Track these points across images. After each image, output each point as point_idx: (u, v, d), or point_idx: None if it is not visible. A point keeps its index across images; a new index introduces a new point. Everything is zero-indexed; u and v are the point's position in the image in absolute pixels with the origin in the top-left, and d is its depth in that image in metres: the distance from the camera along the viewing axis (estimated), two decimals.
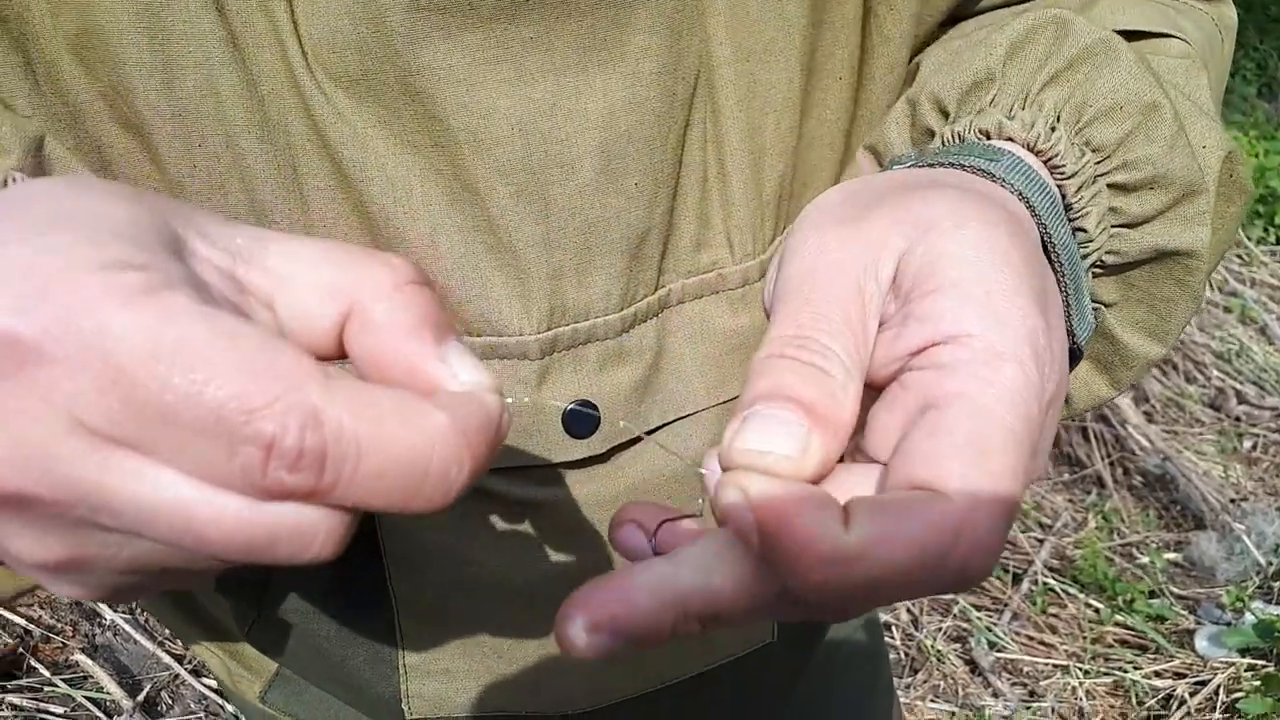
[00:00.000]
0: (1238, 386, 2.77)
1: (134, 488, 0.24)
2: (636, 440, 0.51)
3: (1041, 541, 2.25)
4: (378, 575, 0.52)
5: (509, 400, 0.46)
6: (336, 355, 0.28)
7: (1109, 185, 0.43)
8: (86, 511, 0.24)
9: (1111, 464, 2.51)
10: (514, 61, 0.41)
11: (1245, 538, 2.20)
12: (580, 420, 0.48)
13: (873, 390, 0.32)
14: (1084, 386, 0.50)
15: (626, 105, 0.43)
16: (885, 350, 0.31)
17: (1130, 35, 0.49)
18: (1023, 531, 2.26)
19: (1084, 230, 0.43)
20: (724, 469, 0.29)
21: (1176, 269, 0.45)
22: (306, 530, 0.25)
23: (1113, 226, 0.44)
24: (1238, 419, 2.69)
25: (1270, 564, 2.15)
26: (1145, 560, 2.24)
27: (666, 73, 0.44)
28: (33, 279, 0.23)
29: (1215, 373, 2.81)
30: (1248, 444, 2.63)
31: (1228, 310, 3.06)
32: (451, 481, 0.25)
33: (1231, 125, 3.82)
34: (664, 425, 0.51)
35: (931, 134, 0.46)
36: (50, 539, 0.25)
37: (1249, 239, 3.35)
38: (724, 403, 0.52)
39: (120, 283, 0.23)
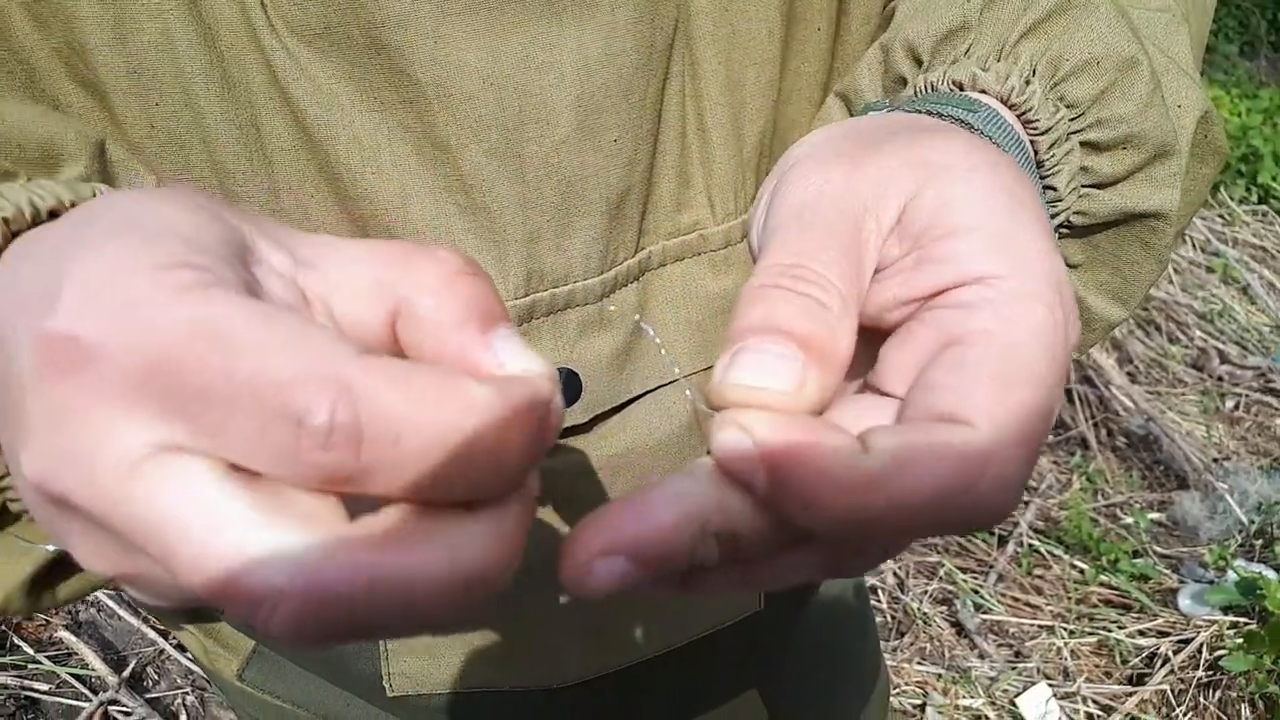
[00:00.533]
0: (1220, 346, 2.78)
1: (149, 511, 0.22)
2: (618, 409, 0.50)
3: (1026, 504, 2.27)
4: None
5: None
6: (393, 355, 0.27)
7: (1081, 143, 0.41)
8: (114, 527, 0.23)
9: (1095, 425, 2.52)
10: (484, 12, 0.40)
11: (1228, 496, 2.22)
12: (562, 390, 0.47)
13: (873, 334, 0.31)
14: None
15: (602, 57, 0.42)
16: (894, 292, 0.30)
17: None
18: None
19: (1054, 189, 0.41)
20: (713, 407, 0.27)
21: (1143, 231, 0.43)
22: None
23: (1082, 186, 0.42)
24: (1220, 379, 2.71)
25: (1252, 522, 2.17)
26: (1129, 520, 2.26)
27: (643, 22, 0.42)
28: (92, 282, 0.23)
29: (1198, 333, 2.82)
30: (1230, 404, 2.64)
31: (1210, 270, 3.07)
32: (505, 460, 0.23)
33: (1214, 84, 3.82)
34: (646, 392, 0.50)
35: (904, 81, 0.44)
36: (106, 548, 0.24)
37: (1231, 199, 3.35)
38: (708, 368, 0.51)
39: (172, 279, 0.22)
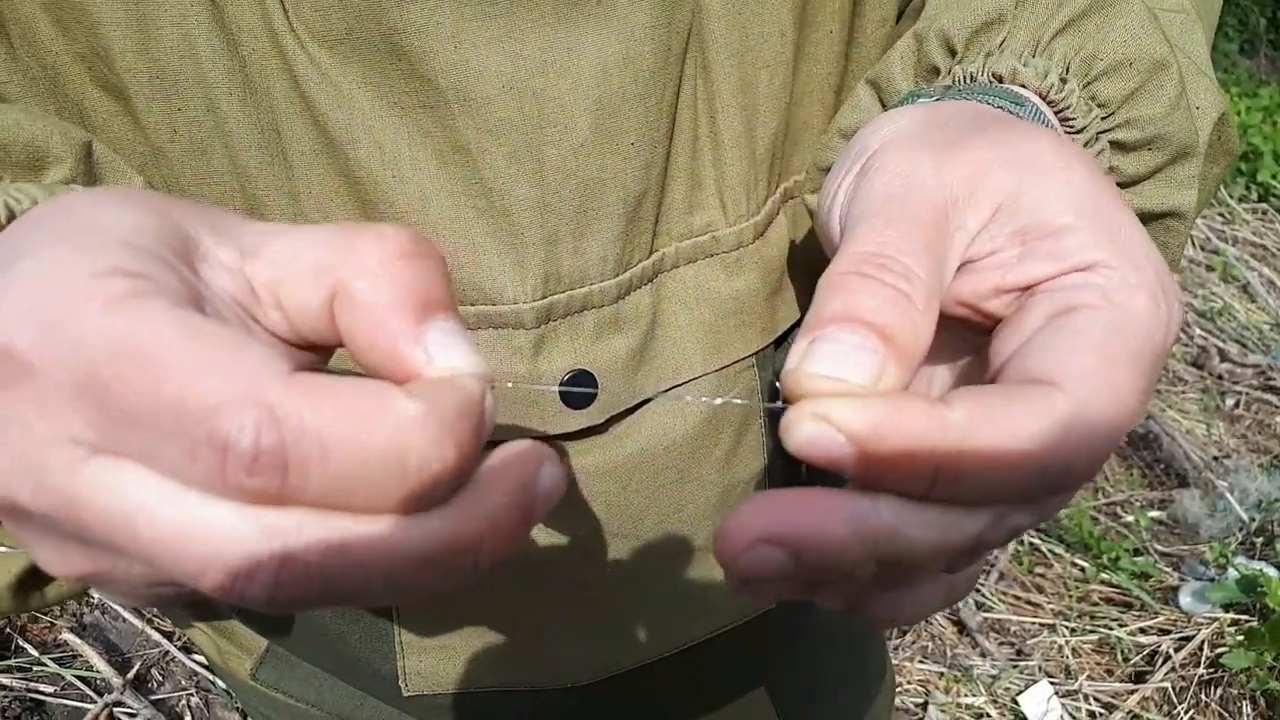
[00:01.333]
0: (1220, 345, 2.78)
1: (105, 501, 0.23)
2: (634, 409, 0.50)
3: None
4: None
5: (507, 385, 0.45)
6: (337, 342, 0.27)
7: (1110, 143, 0.42)
8: (71, 527, 0.23)
9: None
10: (502, 17, 0.40)
11: (1228, 495, 2.22)
12: (578, 392, 0.48)
13: (960, 323, 0.31)
14: None
15: (620, 61, 0.42)
16: (995, 282, 0.30)
17: None
18: None
19: None
20: (788, 396, 0.27)
21: (1160, 231, 0.44)
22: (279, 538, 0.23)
23: None
24: (1220, 377, 2.71)
25: (1253, 520, 2.17)
26: (1130, 519, 2.26)
27: (660, 25, 0.43)
28: (27, 293, 0.23)
29: (1198, 331, 2.82)
30: (1230, 402, 2.65)
31: (1210, 269, 3.07)
32: (439, 474, 0.23)
33: None
34: (660, 393, 0.51)
35: (937, 71, 0.44)
36: (70, 552, 0.25)
37: (1230, 197, 3.36)
38: (721, 369, 0.52)
39: (105, 289, 0.23)
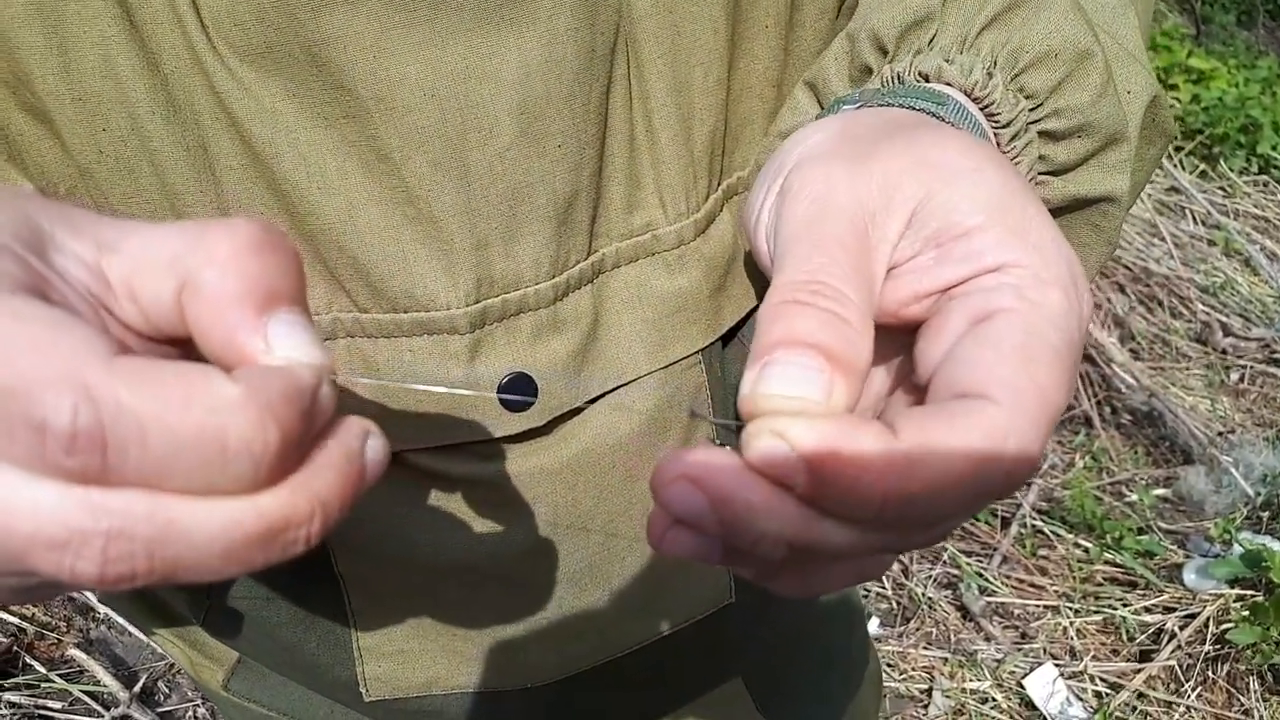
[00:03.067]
0: (1223, 319, 2.76)
1: None
2: (578, 410, 0.51)
3: (1029, 484, 2.26)
4: (325, 557, 0.52)
5: (439, 390, 0.46)
6: (189, 334, 0.28)
7: (1039, 133, 0.42)
8: None
9: (1099, 403, 2.52)
10: (423, 25, 0.40)
11: (1233, 470, 2.21)
12: (517, 394, 0.48)
13: (890, 329, 0.32)
14: None
15: (543, 64, 0.42)
16: (913, 288, 0.31)
17: None
18: None
19: None
20: (746, 419, 0.28)
21: (1094, 215, 0.45)
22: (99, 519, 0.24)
23: (1039, 174, 0.43)
24: (1224, 352, 2.69)
25: (1258, 495, 2.16)
26: (1134, 498, 2.25)
27: (583, 28, 0.43)
28: None
29: (1200, 306, 2.80)
30: (1235, 376, 2.63)
31: (1211, 243, 3.05)
32: (261, 455, 0.24)
33: (1211, 54, 3.79)
34: (606, 393, 0.51)
35: (869, 71, 0.45)
36: None
37: (1231, 170, 3.33)
38: (667, 366, 0.52)
39: None
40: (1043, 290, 0.29)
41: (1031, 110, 0.42)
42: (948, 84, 0.42)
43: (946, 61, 0.41)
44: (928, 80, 0.42)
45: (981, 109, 0.42)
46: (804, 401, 0.27)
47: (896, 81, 0.43)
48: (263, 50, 0.40)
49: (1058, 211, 0.45)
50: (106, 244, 0.27)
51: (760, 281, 0.56)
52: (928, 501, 0.26)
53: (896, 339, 0.33)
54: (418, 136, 0.42)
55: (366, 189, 0.43)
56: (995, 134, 0.42)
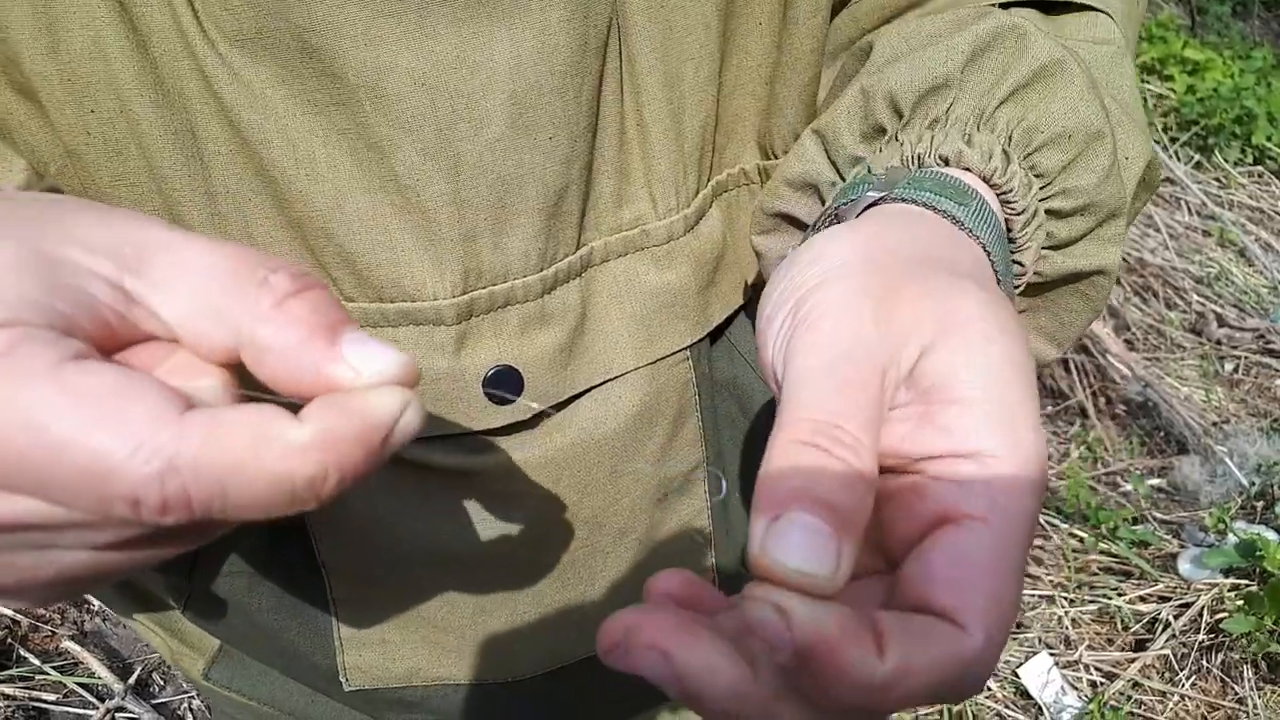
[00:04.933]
0: (1218, 310, 2.77)
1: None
2: (565, 404, 0.50)
3: None
4: (307, 544, 0.52)
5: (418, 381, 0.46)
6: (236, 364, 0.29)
7: (1047, 211, 0.43)
8: None
9: (1094, 394, 2.52)
10: (414, 14, 0.40)
11: (1227, 460, 2.21)
12: (503, 386, 0.48)
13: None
14: None
15: (535, 55, 0.42)
16: (895, 445, 0.31)
17: (1057, 6, 0.49)
18: None
19: (1020, 265, 0.43)
20: (754, 574, 0.29)
21: (1084, 285, 0.45)
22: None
23: (1042, 249, 0.43)
24: (1219, 342, 2.70)
25: (1252, 484, 2.16)
26: (1129, 488, 2.26)
27: (576, 19, 0.43)
28: None
29: (1195, 297, 2.81)
30: (1229, 366, 2.64)
31: (1207, 234, 3.05)
32: (322, 490, 0.26)
33: (1206, 45, 3.79)
34: (592, 388, 0.51)
35: (882, 130, 0.45)
36: None
37: (1226, 161, 3.33)
38: (654, 362, 0.52)
39: None
40: (1016, 495, 0.29)
41: (1041, 189, 0.42)
42: (966, 168, 0.42)
43: (966, 144, 0.42)
44: (947, 163, 0.42)
45: (997, 194, 0.42)
46: (815, 580, 0.27)
47: (915, 163, 0.43)
48: (252, 35, 0.39)
49: (1051, 285, 0.45)
50: (127, 263, 0.28)
51: (750, 280, 0.56)
52: (889, 711, 0.28)
53: None
54: (408, 125, 0.42)
55: (355, 177, 0.43)
56: (1008, 219, 0.42)
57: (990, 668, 0.29)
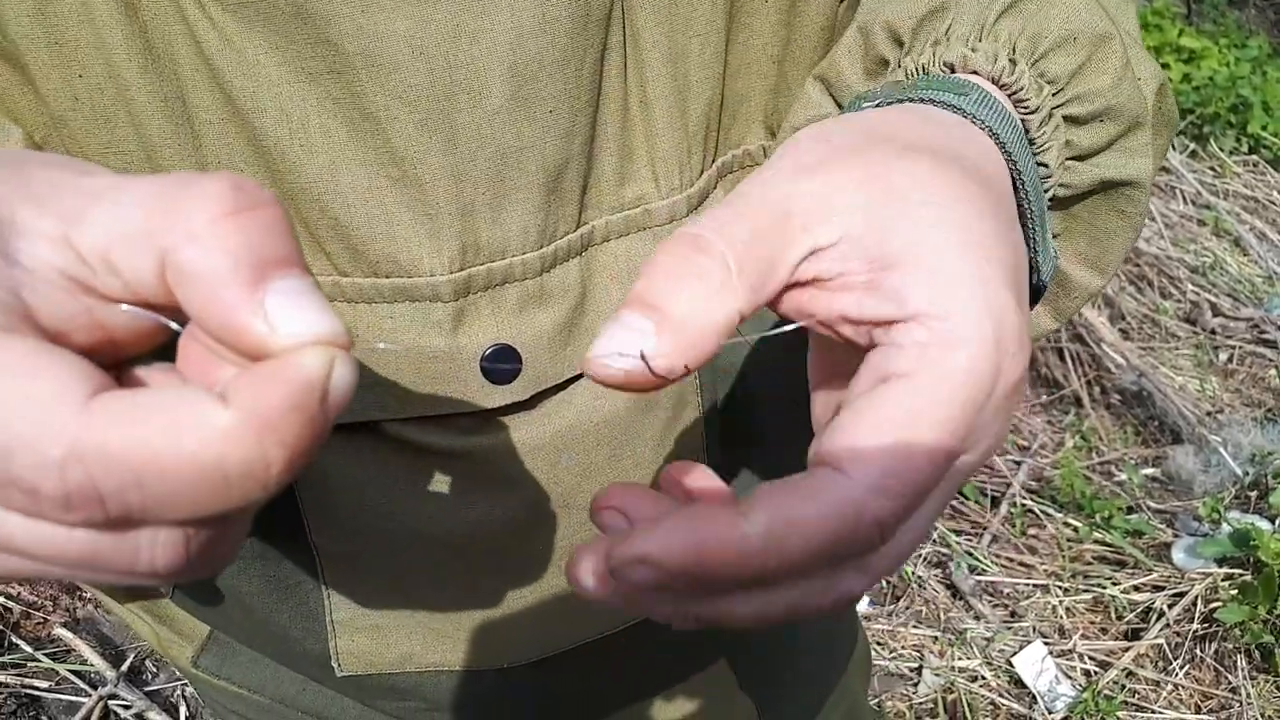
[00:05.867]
0: (1213, 299, 2.77)
1: None
2: (563, 386, 0.49)
3: (1019, 464, 2.27)
4: (299, 527, 0.51)
5: (380, 346, 0.45)
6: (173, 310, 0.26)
7: (1064, 117, 0.41)
8: None
9: (1088, 383, 2.52)
10: None
11: (1221, 449, 2.22)
12: (501, 366, 0.47)
13: (840, 343, 0.32)
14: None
15: (536, 25, 0.41)
16: (845, 310, 0.30)
17: None
18: (1000, 455, 2.27)
19: (1045, 165, 0.41)
20: (592, 376, 0.29)
21: (1120, 200, 0.43)
22: (126, 547, 0.23)
23: (1067, 159, 0.42)
24: (1213, 332, 2.70)
25: (1246, 474, 2.17)
26: (1123, 477, 2.26)
27: None
28: None
29: (1190, 287, 2.81)
30: (1224, 356, 2.64)
31: (1201, 224, 3.05)
32: (267, 476, 0.23)
33: (1202, 34, 3.79)
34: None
35: (885, 63, 0.43)
36: None
37: (1221, 150, 3.33)
38: None
39: None
40: (948, 352, 0.28)
41: (1054, 95, 0.41)
42: (974, 72, 0.40)
43: (970, 50, 0.40)
44: (953, 70, 0.41)
45: (1010, 96, 0.40)
46: (623, 363, 0.27)
47: (921, 74, 0.41)
48: (246, 0, 0.38)
49: (1085, 196, 0.44)
50: (70, 215, 0.25)
51: None
52: (786, 574, 0.27)
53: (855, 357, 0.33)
54: (405, 95, 0.41)
55: (350, 148, 0.42)
56: (1024, 119, 0.41)
57: (891, 526, 0.27)
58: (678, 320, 0.28)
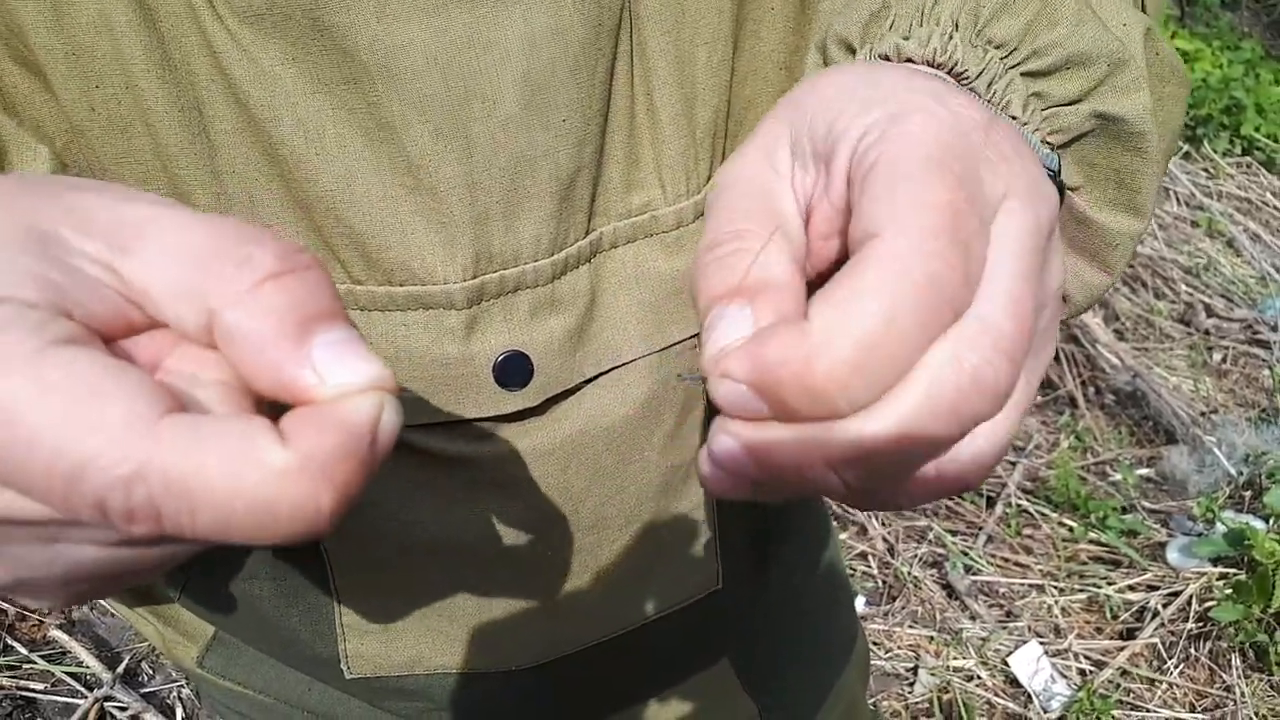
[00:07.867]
0: (1206, 300, 2.78)
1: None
2: (573, 391, 0.50)
3: (1014, 464, 2.27)
4: None
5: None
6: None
7: (1023, 74, 0.41)
8: None
9: (1083, 384, 2.53)
10: None
11: (1215, 449, 2.23)
12: (513, 372, 0.47)
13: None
14: (1076, 280, 0.46)
15: (549, 34, 0.41)
16: (818, 221, 0.31)
17: None
18: None
19: (1014, 117, 0.41)
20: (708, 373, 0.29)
21: (1131, 139, 0.42)
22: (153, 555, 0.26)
23: (1045, 108, 0.42)
24: (1207, 332, 2.71)
25: (1240, 474, 2.18)
26: (1118, 477, 2.27)
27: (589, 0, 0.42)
28: None
29: (1184, 288, 2.82)
30: (1217, 357, 2.65)
31: (1195, 225, 3.07)
32: (315, 516, 0.24)
33: (1195, 36, 3.80)
34: (601, 374, 0.50)
35: None
36: None
37: (1215, 151, 3.34)
38: (663, 349, 0.51)
39: None
40: (901, 121, 0.28)
41: (1005, 58, 0.41)
42: (910, 60, 0.40)
43: (904, 39, 0.40)
44: (889, 61, 0.41)
45: (950, 73, 0.40)
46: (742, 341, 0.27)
47: None
48: (263, 11, 0.39)
49: (1086, 136, 0.43)
50: (119, 246, 0.25)
51: None
52: (885, 350, 0.25)
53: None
54: (420, 104, 0.41)
55: (365, 157, 0.42)
56: (971, 89, 0.40)
57: (939, 269, 0.25)
58: (753, 286, 0.28)
